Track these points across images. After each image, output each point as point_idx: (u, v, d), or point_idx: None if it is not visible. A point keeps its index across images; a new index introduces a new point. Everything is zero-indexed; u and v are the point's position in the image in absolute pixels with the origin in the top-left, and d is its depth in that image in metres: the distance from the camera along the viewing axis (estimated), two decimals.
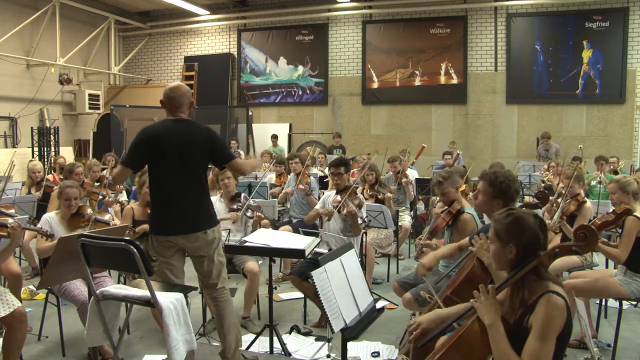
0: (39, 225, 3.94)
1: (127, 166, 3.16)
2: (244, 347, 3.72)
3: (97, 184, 6.28)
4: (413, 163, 8.61)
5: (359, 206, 4.50)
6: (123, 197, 6.61)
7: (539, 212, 4.97)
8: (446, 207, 3.79)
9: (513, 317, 2.02)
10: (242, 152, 11.39)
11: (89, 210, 4.05)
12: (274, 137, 11.75)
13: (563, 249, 1.99)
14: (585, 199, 4.59)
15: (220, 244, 3.28)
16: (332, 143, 11.62)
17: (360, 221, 4.41)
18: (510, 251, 2.05)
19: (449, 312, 2.39)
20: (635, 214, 3.55)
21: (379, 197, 5.80)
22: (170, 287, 3.14)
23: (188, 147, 3.11)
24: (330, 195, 4.78)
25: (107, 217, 4.19)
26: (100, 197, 5.54)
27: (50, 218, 3.92)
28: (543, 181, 7.58)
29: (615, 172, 7.84)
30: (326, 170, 8.58)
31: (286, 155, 9.19)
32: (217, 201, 4.65)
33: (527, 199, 7.33)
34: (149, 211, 4.29)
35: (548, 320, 1.88)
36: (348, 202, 4.43)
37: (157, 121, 3.30)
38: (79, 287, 3.55)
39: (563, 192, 4.69)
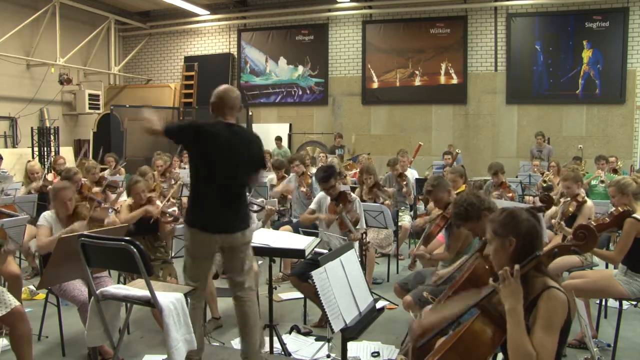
0: (38, 223, 3.95)
1: None
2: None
3: (96, 188, 6.26)
4: (411, 162, 8.60)
5: (356, 222, 4.51)
6: (123, 197, 6.60)
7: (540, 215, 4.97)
8: (440, 212, 3.80)
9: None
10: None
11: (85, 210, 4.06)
12: (278, 139, 11.65)
13: (562, 248, 1.99)
14: (586, 198, 4.57)
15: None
16: (333, 143, 11.59)
17: (358, 234, 4.44)
18: (510, 244, 2.05)
19: (452, 312, 2.38)
20: (634, 215, 3.53)
21: (378, 202, 5.74)
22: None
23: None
24: (326, 199, 4.74)
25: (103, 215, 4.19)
26: (97, 203, 5.48)
27: (49, 216, 3.92)
28: (544, 181, 7.57)
29: (615, 171, 7.85)
30: None
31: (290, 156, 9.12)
32: None
33: (527, 198, 7.33)
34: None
35: (551, 313, 1.89)
36: (346, 218, 4.45)
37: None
38: (78, 287, 3.54)
39: (565, 192, 4.68)
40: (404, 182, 6.72)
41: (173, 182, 7.28)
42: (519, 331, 1.90)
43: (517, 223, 2.06)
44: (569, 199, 4.54)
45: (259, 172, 3.42)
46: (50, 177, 6.97)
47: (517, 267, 1.98)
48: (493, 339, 1.96)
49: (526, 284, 2.00)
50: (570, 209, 4.45)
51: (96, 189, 6.11)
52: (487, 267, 2.62)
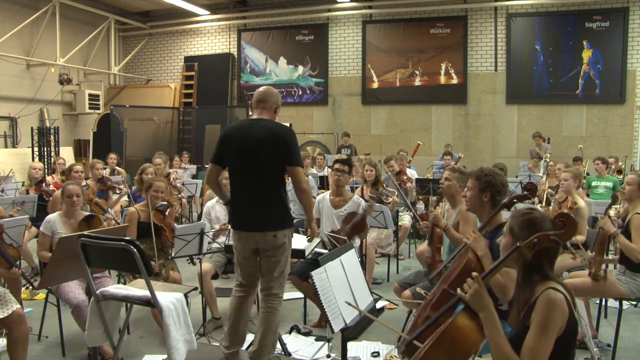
0: (40, 229, 3.94)
1: None
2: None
3: (99, 183, 6.26)
4: (410, 162, 8.59)
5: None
6: (124, 197, 6.62)
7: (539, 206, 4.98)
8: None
9: (518, 318, 2.03)
10: None
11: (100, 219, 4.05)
12: None
13: (542, 238, 1.98)
14: (577, 201, 4.48)
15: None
16: (340, 142, 11.56)
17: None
18: None
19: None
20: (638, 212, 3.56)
21: (385, 201, 5.68)
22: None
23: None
24: (324, 199, 4.72)
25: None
26: (103, 211, 5.44)
27: (52, 220, 3.91)
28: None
29: (620, 172, 7.85)
30: (325, 171, 8.58)
31: None
32: (216, 204, 4.62)
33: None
34: (156, 215, 4.26)
35: (546, 315, 1.88)
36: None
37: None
38: (73, 289, 3.52)
39: (562, 184, 4.67)
40: (404, 178, 6.71)
41: (173, 180, 7.29)
42: (496, 334, 1.91)
43: (532, 230, 2.05)
44: (557, 196, 4.59)
45: (289, 165, 3.09)
46: (49, 178, 6.97)
47: (474, 274, 2.00)
48: (477, 333, 1.96)
49: (528, 287, 2.01)
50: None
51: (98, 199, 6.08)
52: (478, 260, 2.64)
